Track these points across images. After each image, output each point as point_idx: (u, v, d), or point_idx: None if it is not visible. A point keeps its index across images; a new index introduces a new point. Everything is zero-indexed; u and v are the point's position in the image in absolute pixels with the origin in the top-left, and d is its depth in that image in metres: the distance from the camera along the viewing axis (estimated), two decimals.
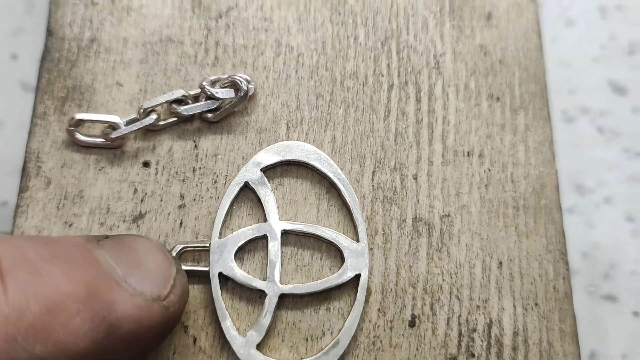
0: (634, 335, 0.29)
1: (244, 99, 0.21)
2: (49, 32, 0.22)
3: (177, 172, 0.21)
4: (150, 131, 0.21)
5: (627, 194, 0.31)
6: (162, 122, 0.21)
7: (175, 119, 0.21)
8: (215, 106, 0.21)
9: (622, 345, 0.29)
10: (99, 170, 0.20)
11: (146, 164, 0.21)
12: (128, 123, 0.20)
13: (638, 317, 0.29)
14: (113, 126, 0.20)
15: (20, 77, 0.26)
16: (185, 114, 0.21)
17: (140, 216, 0.20)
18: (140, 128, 0.20)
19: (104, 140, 0.20)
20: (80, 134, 0.20)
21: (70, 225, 0.20)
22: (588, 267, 0.29)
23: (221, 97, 0.21)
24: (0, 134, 0.25)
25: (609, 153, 0.31)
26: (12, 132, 0.25)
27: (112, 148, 0.21)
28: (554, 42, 0.33)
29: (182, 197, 0.20)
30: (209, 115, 0.21)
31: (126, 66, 0.22)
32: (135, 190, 0.20)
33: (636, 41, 0.33)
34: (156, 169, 0.21)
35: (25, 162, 0.20)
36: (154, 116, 0.20)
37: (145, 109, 0.20)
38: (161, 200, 0.20)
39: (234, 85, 0.21)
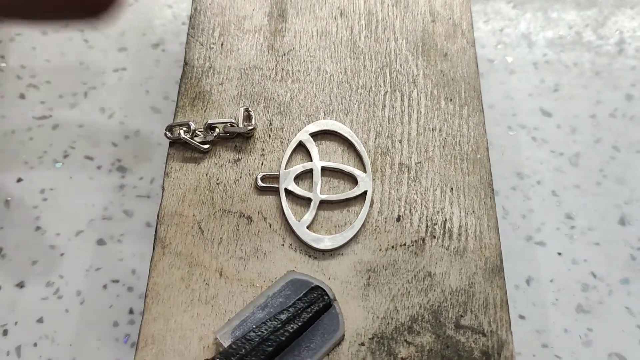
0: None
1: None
2: (185, 63, 0.38)
3: (260, 137, 0.35)
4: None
5: (552, 178, 0.44)
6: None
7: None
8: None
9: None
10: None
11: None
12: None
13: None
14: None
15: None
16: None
17: (239, 160, 0.34)
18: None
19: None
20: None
21: None
22: (524, 223, 0.42)
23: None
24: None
25: (540, 153, 0.45)
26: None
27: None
28: (502, 84, 0.48)
29: (262, 150, 0.35)
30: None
31: (230, 81, 0.37)
32: (236, 147, 0.35)
33: (559, 82, 0.48)
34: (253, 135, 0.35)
35: None
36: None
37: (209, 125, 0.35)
38: (251, 151, 0.35)
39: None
